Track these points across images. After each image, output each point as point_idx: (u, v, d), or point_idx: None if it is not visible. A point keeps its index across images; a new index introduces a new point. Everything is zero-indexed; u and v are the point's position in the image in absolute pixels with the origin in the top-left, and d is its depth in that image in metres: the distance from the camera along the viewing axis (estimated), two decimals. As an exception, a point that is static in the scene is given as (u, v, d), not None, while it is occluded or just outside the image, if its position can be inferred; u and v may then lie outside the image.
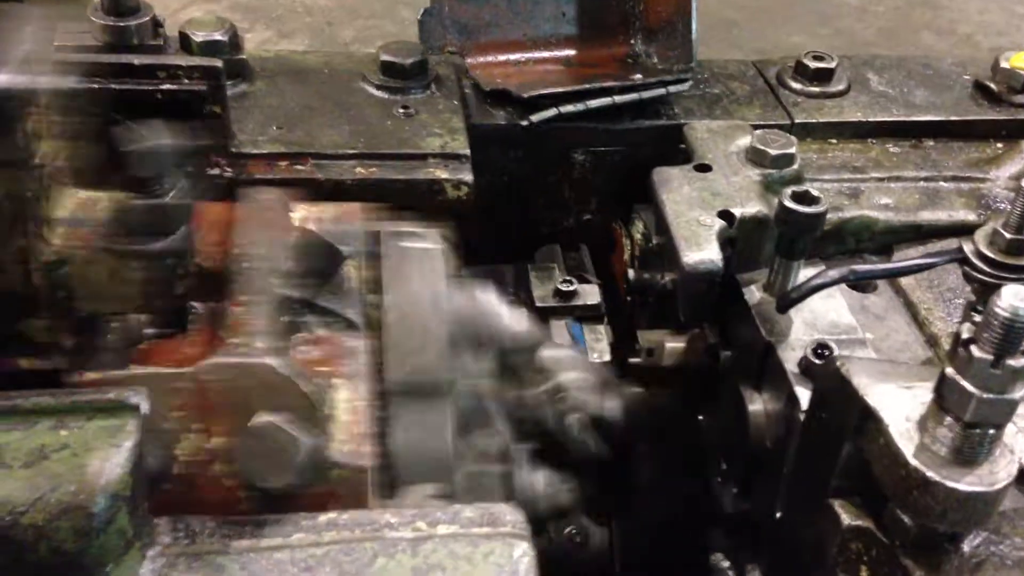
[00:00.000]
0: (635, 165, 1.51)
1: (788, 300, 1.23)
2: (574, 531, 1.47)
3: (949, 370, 0.90)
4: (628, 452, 1.44)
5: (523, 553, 0.86)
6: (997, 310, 0.86)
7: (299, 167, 1.31)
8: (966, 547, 0.99)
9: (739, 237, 1.34)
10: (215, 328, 0.97)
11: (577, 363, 1.29)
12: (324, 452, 0.92)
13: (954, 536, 0.99)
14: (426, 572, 0.84)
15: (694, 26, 1.49)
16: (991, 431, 0.91)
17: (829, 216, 1.33)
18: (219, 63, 1.19)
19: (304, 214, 1.16)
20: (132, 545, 0.80)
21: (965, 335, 0.89)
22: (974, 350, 0.88)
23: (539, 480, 1.18)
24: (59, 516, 0.76)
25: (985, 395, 0.88)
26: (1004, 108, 1.60)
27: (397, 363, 1.06)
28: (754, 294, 1.31)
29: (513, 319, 1.19)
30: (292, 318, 1.04)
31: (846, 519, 1.04)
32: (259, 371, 0.91)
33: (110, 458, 0.78)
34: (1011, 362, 0.87)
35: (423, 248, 1.18)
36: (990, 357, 0.87)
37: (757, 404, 1.29)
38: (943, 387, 0.91)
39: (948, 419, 0.92)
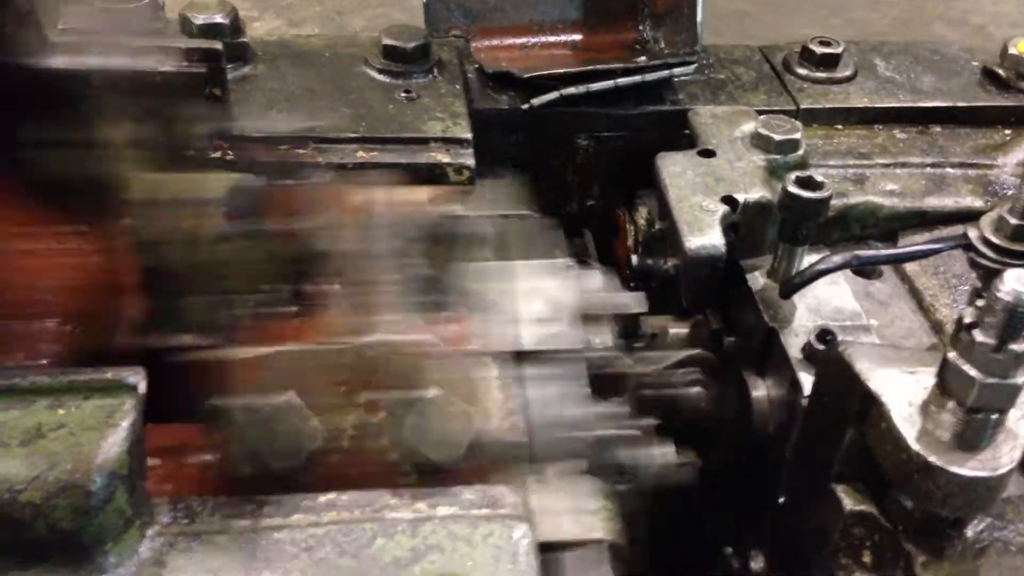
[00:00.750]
0: (638, 151, 1.50)
1: (791, 285, 1.22)
2: None
3: (951, 354, 0.90)
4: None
5: (523, 535, 0.86)
6: (1000, 295, 0.85)
7: (300, 150, 1.30)
8: (969, 532, 0.99)
9: (742, 223, 1.33)
10: (354, 309, 0.99)
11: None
12: (484, 428, 0.93)
13: (957, 521, 0.99)
14: (424, 553, 0.83)
15: (699, 10, 1.48)
16: (994, 416, 0.90)
17: (834, 202, 1.32)
18: (219, 45, 1.18)
19: (428, 195, 1.17)
20: (131, 524, 0.80)
21: (968, 319, 0.88)
22: (977, 334, 0.87)
23: (661, 454, 1.18)
24: (57, 494, 0.76)
25: (988, 380, 0.88)
26: (1012, 95, 1.58)
27: (529, 332, 1.06)
28: (757, 280, 1.30)
29: (631, 299, 1.20)
30: (430, 298, 1.04)
31: (849, 504, 1.04)
32: (420, 348, 0.93)
33: (107, 437, 0.78)
34: (1014, 347, 0.86)
35: (543, 228, 1.20)
36: (993, 341, 0.86)
37: (760, 390, 1.28)
38: (945, 372, 0.91)
39: (951, 404, 0.92)
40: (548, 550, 0.90)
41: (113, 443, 0.78)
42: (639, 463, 1.15)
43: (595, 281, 1.19)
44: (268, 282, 1.02)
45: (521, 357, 1.05)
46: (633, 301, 1.19)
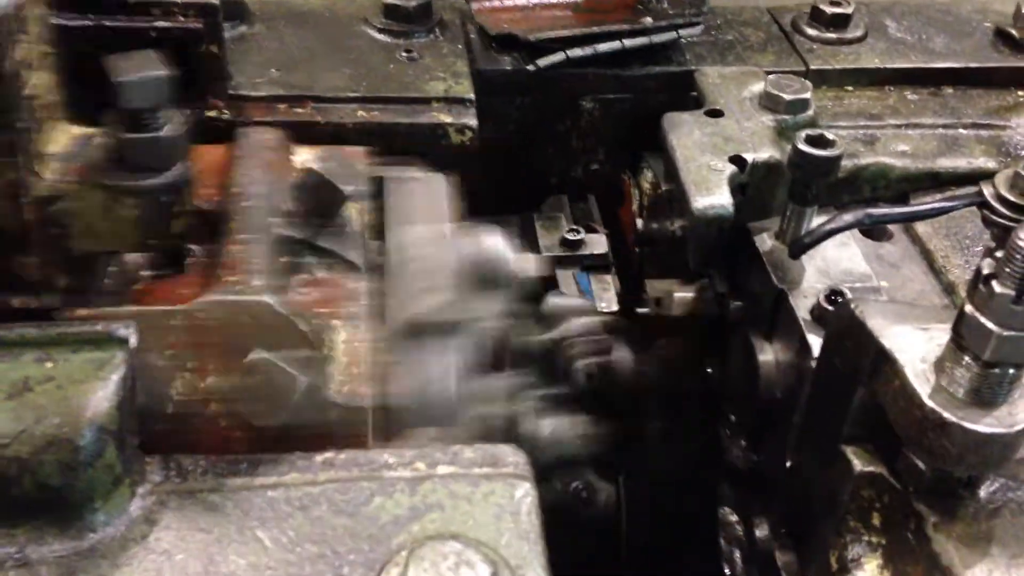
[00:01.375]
0: (644, 113, 1.46)
1: (801, 245, 1.19)
2: (580, 486, 1.44)
3: (968, 307, 0.87)
4: (636, 406, 1.41)
5: (525, 493, 0.84)
6: (1020, 243, 0.82)
7: (298, 110, 1.28)
8: (983, 493, 0.96)
9: (751, 183, 1.30)
10: (212, 268, 0.94)
11: (585, 310, 1.27)
12: (322, 392, 0.90)
13: (970, 481, 0.96)
14: (424, 511, 0.81)
15: (704, -34, 1.45)
16: (1011, 371, 0.87)
17: (844, 163, 1.29)
18: (216, 1, 1.16)
19: (305, 156, 1.13)
20: (121, 481, 0.78)
21: (987, 270, 0.85)
22: (995, 286, 0.84)
23: (547, 426, 1.15)
24: (44, 449, 0.74)
25: (1006, 332, 0.85)
26: (1024, 55, 1.55)
27: (401, 305, 1.03)
28: (765, 241, 1.27)
29: (520, 263, 1.16)
30: (292, 258, 1.01)
31: (858, 465, 1.02)
32: (256, 309, 0.89)
33: (97, 391, 0.76)
34: (1033, 298, 0.84)
35: (427, 190, 1.15)
36: (1012, 293, 0.83)
37: (768, 354, 1.25)
38: (962, 325, 0.88)
39: (966, 359, 0.89)
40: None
41: (103, 397, 0.76)
42: (530, 436, 1.12)
43: (487, 243, 1.14)
44: (116, 241, 0.97)
45: (397, 328, 1.01)
46: (526, 263, 1.15)
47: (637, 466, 1.46)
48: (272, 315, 0.88)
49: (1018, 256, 0.83)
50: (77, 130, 0.99)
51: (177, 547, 0.77)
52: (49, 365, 0.77)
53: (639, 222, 1.49)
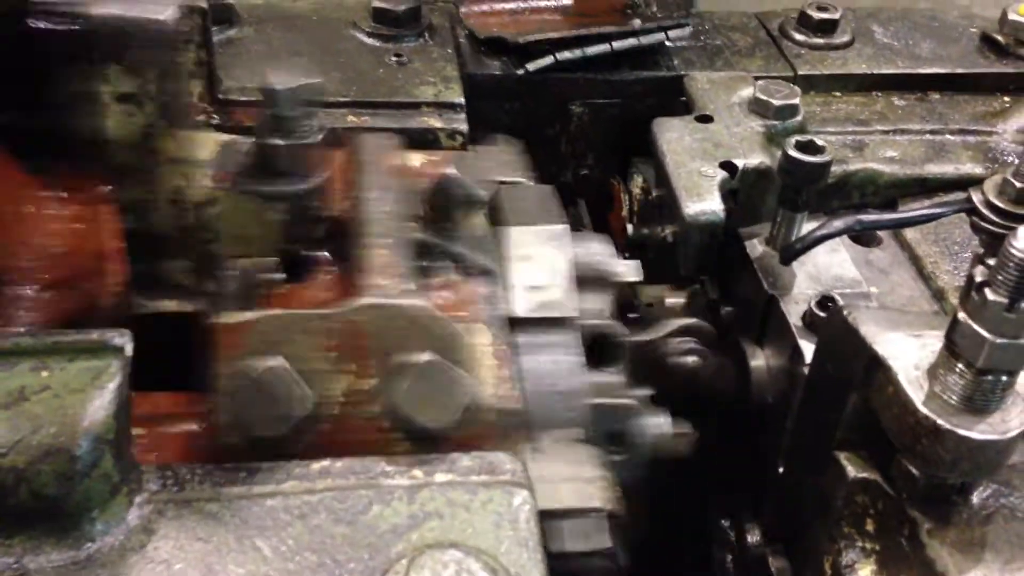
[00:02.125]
0: (634, 118, 1.47)
1: (792, 251, 1.20)
2: None
3: (961, 314, 0.88)
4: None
5: (523, 501, 0.83)
6: (1013, 251, 0.83)
7: (289, 114, 1.27)
8: (975, 499, 0.97)
9: (741, 189, 1.31)
10: (347, 273, 0.96)
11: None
12: (480, 395, 0.91)
13: (963, 488, 0.97)
14: (423, 519, 0.81)
15: (693, -28, 1.46)
16: (1004, 378, 0.88)
17: (833, 169, 1.30)
18: (204, 3, 1.15)
19: (419, 159, 1.14)
20: (118, 491, 0.77)
21: (979, 278, 0.86)
22: (988, 293, 0.85)
23: (658, 424, 1.15)
24: (40, 459, 0.73)
25: (999, 340, 0.86)
26: (1011, 61, 1.56)
27: (524, 299, 1.04)
28: (756, 247, 1.28)
29: (627, 267, 1.17)
30: (426, 262, 1.02)
31: (852, 471, 1.02)
32: (413, 312, 0.90)
33: (93, 400, 0.75)
34: (1026, 305, 0.84)
35: (539, 193, 1.18)
36: (1005, 300, 0.84)
37: (759, 359, 1.26)
38: (955, 332, 0.89)
39: (959, 366, 0.90)
40: (547, 518, 0.87)
41: (99, 406, 0.75)
42: (634, 433, 1.13)
43: (593, 248, 1.16)
44: (258, 247, 1.00)
45: (516, 324, 1.02)
46: (630, 269, 1.17)
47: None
48: (430, 319, 0.90)
49: (1011, 264, 0.83)
50: (220, 136, 1.00)
51: (176, 556, 0.76)
52: (45, 374, 0.76)
53: (629, 227, 1.49)
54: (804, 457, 1.12)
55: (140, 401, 0.93)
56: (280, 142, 0.95)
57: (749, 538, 1.29)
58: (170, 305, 0.97)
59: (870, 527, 1.03)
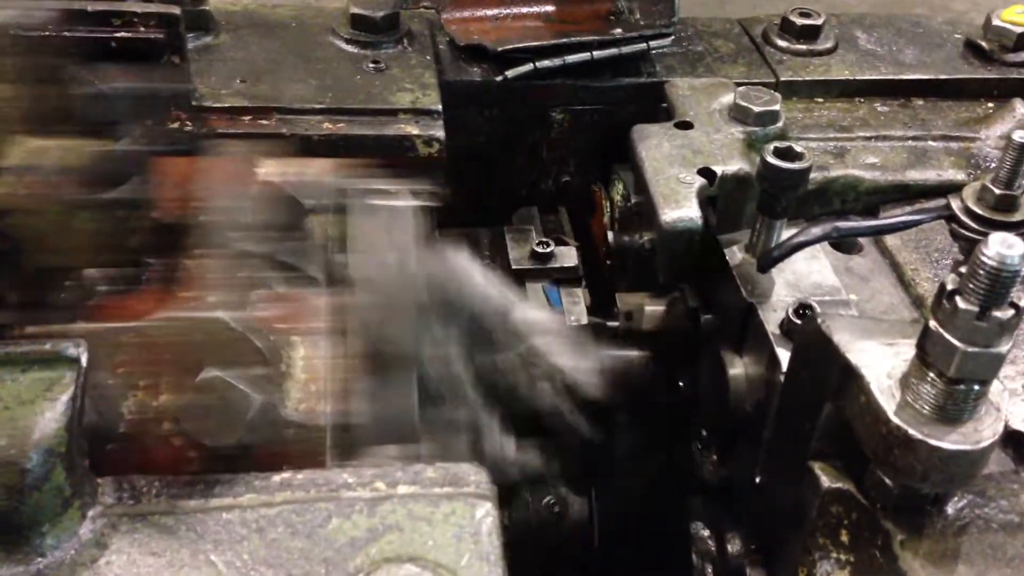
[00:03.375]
0: (615, 124, 1.46)
1: (770, 259, 1.18)
2: (552, 501, 1.43)
3: (932, 323, 0.86)
4: (606, 419, 1.40)
5: (486, 513, 0.82)
6: (983, 258, 0.82)
7: (263, 121, 1.26)
8: (950, 509, 0.96)
9: (720, 196, 1.30)
10: (170, 284, 0.93)
11: (552, 325, 1.25)
12: (278, 410, 0.88)
13: (937, 498, 0.96)
14: (382, 533, 0.80)
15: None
16: (976, 387, 0.87)
17: (814, 175, 1.29)
18: (177, 11, 1.14)
19: (272, 169, 1.11)
20: (70, 504, 0.76)
21: (950, 286, 0.85)
22: (959, 301, 0.84)
23: (510, 446, 1.14)
24: (-12, 473, 0.71)
25: (970, 349, 0.84)
26: (995, 67, 1.55)
27: (362, 330, 1.02)
28: (735, 255, 1.27)
29: (486, 282, 1.15)
30: (251, 273, 0.99)
31: (826, 482, 1.01)
32: (210, 326, 0.87)
33: (45, 412, 0.74)
34: (997, 314, 0.83)
35: (392, 207, 1.14)
36: (975, 309, 0.83)
37: (737, 368, 1.25)
38: (926, 341, 0.87)
39: (931, 375, 0.88)
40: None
41: (51, 418, 0.74)
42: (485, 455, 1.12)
43: (457, 262, 1.13)
44: (71, 257, 0.95)
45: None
46: (488, 286, 1.14)
47: (607, 480, 1.45)
48: (227, 332, 0.87)
49: (982, 272, 0.82)
50: (33, 143, 0.97)
51: (128, 572, 0.75)
52: (-4, 386, 0.75)
53: (610, 234, 1.48)
54: (780, 467, 1.11)
55: None
56: (91, 148, 0.91)
57: (730, 547, 1.28)
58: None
59: (844, 538, 1.01)
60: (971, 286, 0.83)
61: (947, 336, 0.85)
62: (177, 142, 1.16)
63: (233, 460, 0.86)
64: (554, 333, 1.22)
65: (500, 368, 1.20)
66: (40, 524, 0.74)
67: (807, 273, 1.24)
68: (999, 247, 0.81)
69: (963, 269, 0.84)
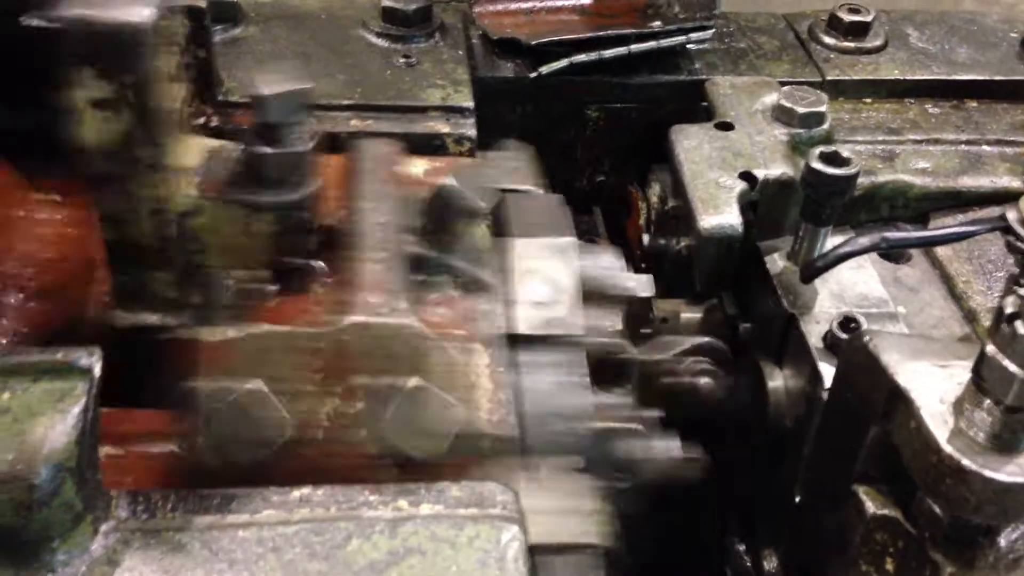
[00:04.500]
0: (653, 123, 1.41)
1: (813, 269, 1.14)
2: None
3: (990, 348, 0.81)
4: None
5: (512, 537, 0.78)
6: (1047, 282, 0.77)
7: (291, 117, 1.22)
8: (1003, 541, 0.91)
9: (762, 201, 1.25)
10: (338, 287, 0.92)
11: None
12: (476, 422, 0.86)
13: (989, 530, 0.91)
14: (403, 556, 0.76)
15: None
16: (1035, 415, 0.82)
17: (861, 180, 1.24)
18: (203, 2, 1.11)
19: (421, 167, 1.09)
20: (82, 519, 0.73)
21: (1010, 309, 0.80)
22: (1019, 326, 0.79)
23: (666, 448, 1.10)
24: (-4, 489, 0.69)
25: (1029, 376, 0.79)
26: (1052, 66, 1.48)
27: (526, 315, 0.99)
28: (776, 263, 1.22)
29: (638, 282, 1.11)
30: (422, 277, 0.97)
31: (872, 508, 0.96)
32: (403, 332, 0.85)
33: (55, 425, 0.71)
34: (1060, 340, 0.78)
35: (547, 204, 1.12)
36: (1035, 334, 0.78)
37: (777, 380, 1.20)
38: (983, 366, 0.82)
39: (987, 402, 0.83)
40: (539, 553, 0.82)
41: (61, 432, 0.71)
42: (641, 458, 1.07)
43: (602, 261, 1.10)
44: (246, 258, 0.95)
45: (516, 342, 0.97)
46: (641, 284, 1.11)
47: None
48: (421, 340, 0.86)
49: (1043, 295, 0.77)
50: (213, 143, 0.96)
51: (139, 594, 0.72)
52: (6, 396, 0.72)
53: (646, 237, 1.43)
54: (821, 489, 1.06)
55: (119, 418, 0.89)
56: (269, 150, 0.90)
57: (766, 565, 1.23)
58: (152, 318, 0.93)
59: (889, 566, 0.96)
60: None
61: (1005, 362, 0.80)
62: (324, 142, 1.15)
63: (424, 470, 0.84)
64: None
65: (656, 367, 1.18)
66: (50, 540, 0.71)
67: (852, 283, 1.19)
68: (1064, 270, 0.76)
69: (1023, 291, 0.79)
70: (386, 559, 0.76)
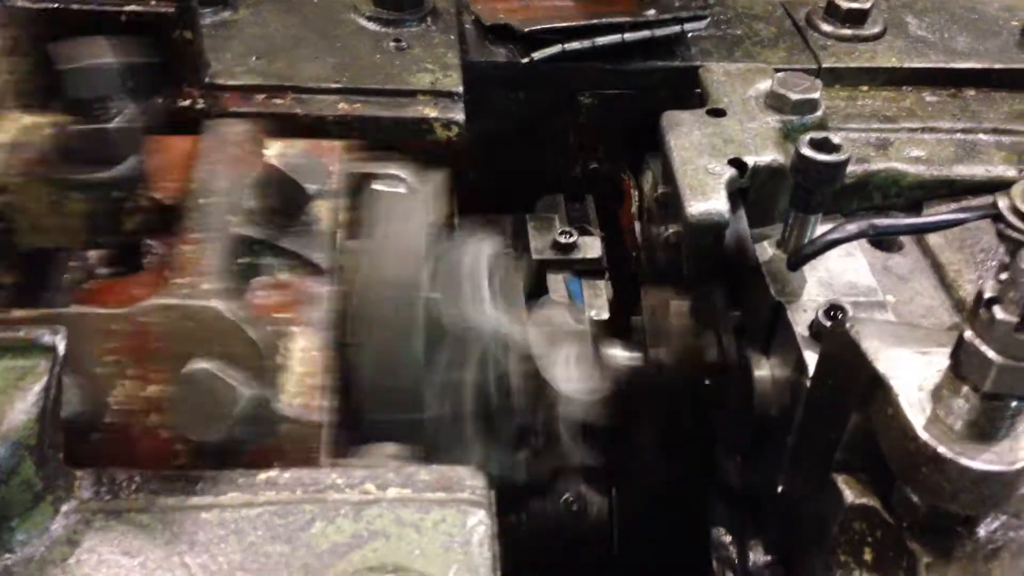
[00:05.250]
0: (646, 110, 1.39)
1: (801, 256, 1.12)
2: (571, 499, 1.38)
3: (968, 333, 0.80)
4: (629, 419, 1.35)
5: (478, 522, 0.78)
6: (1020, 270, 0.75)
7: (277, 101, 1.22)
8: (981, 531, 0.90)
9: (752, 188, 1.23)
10: (166, 268, 0.89)
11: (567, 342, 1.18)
12: (270, 404, 0.84)
13: (968, 519, 0.89)
14: (367, 540, 0.76)
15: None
16: (1013, 403, 0.80)
17: (854, 168, 1.23)
18: (188, -17, 1.10)
19: (279, 149, 1.08)
20: (42, 498, 0.73)
21: (988, 294, 0.78)
22: (997, 311, 0.77)
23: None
24: (-48, 466, 0.68)
25: (1007, 362, 0.78)
26: (1054, 56, 1.46)
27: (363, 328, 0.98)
28: (766, 250, 1.20)
29: (492, 289, 1.08)
30: (251, 259, 0.95)
31: (850, 496, 0.95)
32: (202, 314, 0.83)
33: (15, 403, 0.71)
34: (1036, 326, 0.76)
35: (405, 193, 1.10)
36: (1015, 320, 0.76)
37: (764, 370, 1.19)
38: (961, 352, 0.81)
39: (965, 389, 0.82)
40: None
41: (21, 410, 0.71)
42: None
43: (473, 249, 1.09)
44: (60, 237, 0.93)
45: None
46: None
47: (629, 480, 1.40)
48: (220, 321, 0.83)
49: (1022, 280, 0.75)
50: (28, 119, 0.94)
51: (98, 572, 0.72)
52: (-37, 374, 0.72)
53: (637, 225, 1.42)
54: (802, 476, 1.05)
55: None
56: (79, 126, 0.87)
57: (751, 556, 1.22)
58: None
59: (868, 556, 0.95)
60: (1011, 295, 0.77)
61: (983, 348, 0.79)
62: (190, 120, 1.13)
63: (222, 456, 0.82)
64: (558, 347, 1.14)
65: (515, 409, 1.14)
66: (8, 519, 0.71)
67: (841, 272, 1.18)
68: (1043, 253, 0.75)
69: (1004, 276, 0.78)
70: (349, 542, 0.75)
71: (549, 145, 1.47)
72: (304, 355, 0.89)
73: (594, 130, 1.47)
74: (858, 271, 1.18)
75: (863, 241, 1.21)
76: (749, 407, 1.18)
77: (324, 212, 1.02)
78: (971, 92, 1.43)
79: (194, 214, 0.92)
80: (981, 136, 1.35)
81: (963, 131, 1.36)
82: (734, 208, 1.20)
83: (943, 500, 0.84)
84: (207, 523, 0.76)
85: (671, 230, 1.28)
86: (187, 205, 0.93)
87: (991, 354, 0.78)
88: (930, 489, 0.85)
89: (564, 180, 1.51)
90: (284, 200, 0.98)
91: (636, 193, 1.46)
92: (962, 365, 0.81)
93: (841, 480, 0.96)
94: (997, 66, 1.45)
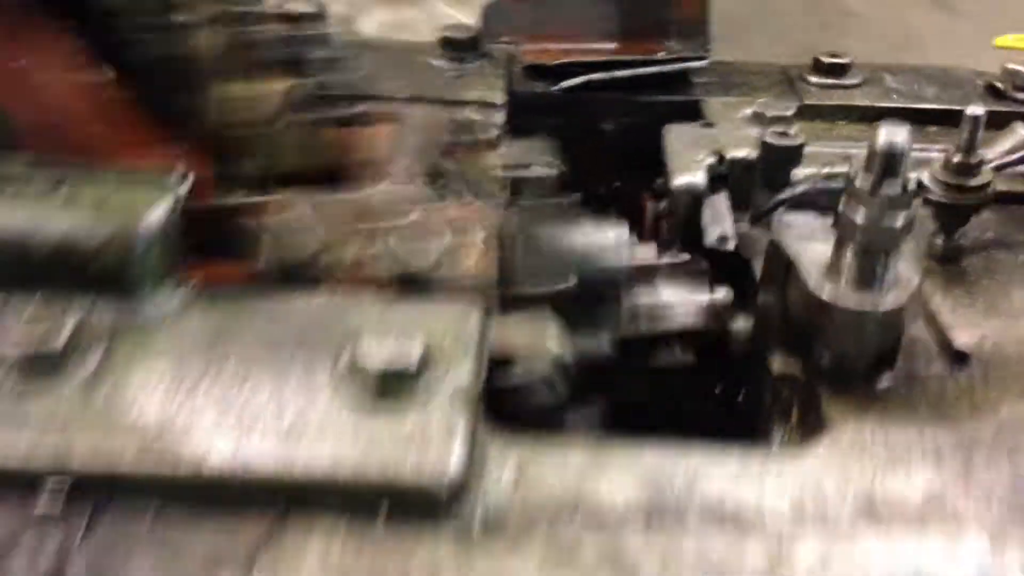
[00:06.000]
0: (657, 137, 1.70)
1: (757, 214, 1.40)
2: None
3: (842, 206, 1.06)
4: None
5: (475, 311, 1.06)
6: (876, 144, 1.02)
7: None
8: (879, 385, 1.11)
9: (731, 175, 1.52)
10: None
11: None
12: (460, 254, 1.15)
13: (869, 377, 1.11)
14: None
15: (711, 20, 1.73)
16: (879, 256, 1.05)
17: (817, 170, 1.49)
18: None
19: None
20: (164, 280, 1.04)
21: (853, 170, 1.05)
22: (858, 180, 1.04)
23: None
24: (110, 241, 1.00)
25: (867, 222, 1.03)
26: (1007, 103, 1.72)
27: None
28: (742, 226, 1.47)
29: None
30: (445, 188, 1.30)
31: (776, 367, 1.18)
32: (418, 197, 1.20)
33: (152, 207, 1.03)
34: (887, 190, 1.02)
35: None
36: (870, 186, 1.03)
37: (739, 322, 1.42)
38: (840, 220, 1.07)
39: (848, 253, 1.07)
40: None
41: (155, 213, 1.03)
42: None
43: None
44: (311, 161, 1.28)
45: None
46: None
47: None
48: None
49: (875, 154, 1.02)
50: (238, 87, 1.29)
51: (200, 329, 1.01)
52: (124, 190, 1.05)
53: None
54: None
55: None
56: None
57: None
58: (240, 198, 1.24)
59: (794, 420, 1.17)
60: (868, 168, 1.03)
61: (850, 213, 1.05)
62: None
63: (420, 287, 1.13)
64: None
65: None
66: (142, 286, 1.02)
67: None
68: (888, 135, 1.02)
69: (863, 154, 1.05)
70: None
71: (581, 165, 1.78)
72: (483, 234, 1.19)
73: (615, 153, 1.78)
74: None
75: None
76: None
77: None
78: (933, 128, 1.70)
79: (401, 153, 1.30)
80: (934, 154, 1.60)
81: (920, 150, 1.61)
82: (714, 190, 1.49)
83: (833, 344, 1.08)
84: (272, 309, 1.05)
85: (663, 205, 1.56)
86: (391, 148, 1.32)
87: (857, 217, 1.04)
88: (823, 336, 1.09)
89: (591, 197, 1.81)
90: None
91: (651, 208, 1.74)
92: (842, 230, 1.07)
93: (770, 356, 1.19)
94: (956, 107, 1.71)
